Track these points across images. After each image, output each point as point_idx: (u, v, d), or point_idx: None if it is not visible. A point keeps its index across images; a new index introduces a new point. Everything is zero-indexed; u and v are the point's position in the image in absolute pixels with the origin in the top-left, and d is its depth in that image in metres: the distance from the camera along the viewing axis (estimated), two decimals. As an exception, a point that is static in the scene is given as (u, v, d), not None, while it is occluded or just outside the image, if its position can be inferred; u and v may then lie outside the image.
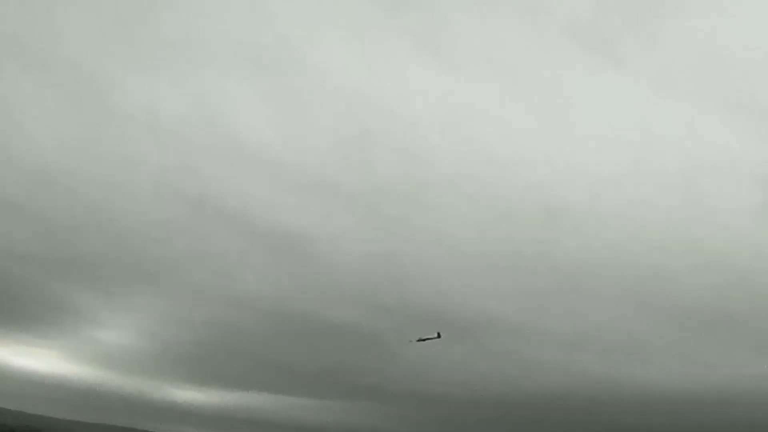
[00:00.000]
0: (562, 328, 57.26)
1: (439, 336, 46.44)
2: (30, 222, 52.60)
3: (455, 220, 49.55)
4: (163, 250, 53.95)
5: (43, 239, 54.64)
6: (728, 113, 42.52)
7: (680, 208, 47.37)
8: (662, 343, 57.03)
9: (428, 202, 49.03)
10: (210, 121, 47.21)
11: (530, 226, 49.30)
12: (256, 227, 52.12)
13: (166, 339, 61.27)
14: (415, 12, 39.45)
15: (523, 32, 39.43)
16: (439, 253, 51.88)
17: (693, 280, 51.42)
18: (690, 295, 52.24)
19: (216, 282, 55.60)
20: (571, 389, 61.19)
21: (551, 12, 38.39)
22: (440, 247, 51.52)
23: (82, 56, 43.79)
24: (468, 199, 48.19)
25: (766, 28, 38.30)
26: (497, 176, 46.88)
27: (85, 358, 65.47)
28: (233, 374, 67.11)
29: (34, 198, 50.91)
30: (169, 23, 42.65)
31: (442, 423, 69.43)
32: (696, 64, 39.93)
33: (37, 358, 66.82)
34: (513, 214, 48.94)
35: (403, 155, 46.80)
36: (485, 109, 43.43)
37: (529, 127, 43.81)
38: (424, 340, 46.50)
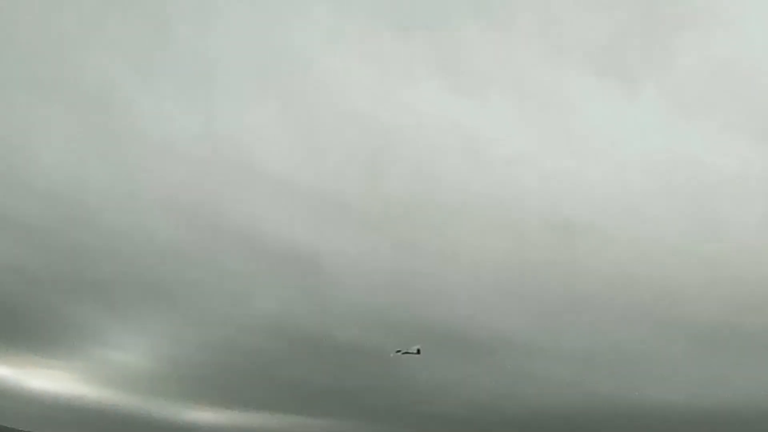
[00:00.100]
0: (574, 346, 57.18)
1: (418, 352, 46.71)
2: (43, 244, 52.82)
3: (467, 240, 49.59)
4: (175, 271, 54.13)
5: (55, 261, 54.88)
6: (742, 131, 42.50)
7: (693, 226, 47.30)
8: (675, 361, 56.84)
9: (440, 222, 49.09)
10: (222, 142, 47.39)
11: (543, 244, 49.31)
12: (268, 247, 52.20)
13: (179, 360, 61.42)
14: (430, 34, 39.69)
15: (538, 54, 39.60)
16: (450, 273, 51.94)
17: (706, 298, 51.27)
18: (703, 312, 52.10)
19: (228, 303, 55.76)
20: (583, 407, 61.03)
21: (565, 34, 38.56)
22: (451, 267, 51.58)
23: (93, 77, 44.04)
24: (480, 219, 48.21)
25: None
26: (509, 196, 46.89)
27: (99, 380, 65.66)
28: (245, 395, 67.19)
29: (47, 220, 51.07)
30: (182, 45, 42.90)
31: (454, 442, 69.35)
32: (710, 83, 39.98)
33: (50, 380, 67.01)
34: (525, 233, 48.93)
35: (416, 176, 46.90)
36: (498, 130, 43.54)
37: (542, 147, 43.87)
38: (405, 353, 46.74)
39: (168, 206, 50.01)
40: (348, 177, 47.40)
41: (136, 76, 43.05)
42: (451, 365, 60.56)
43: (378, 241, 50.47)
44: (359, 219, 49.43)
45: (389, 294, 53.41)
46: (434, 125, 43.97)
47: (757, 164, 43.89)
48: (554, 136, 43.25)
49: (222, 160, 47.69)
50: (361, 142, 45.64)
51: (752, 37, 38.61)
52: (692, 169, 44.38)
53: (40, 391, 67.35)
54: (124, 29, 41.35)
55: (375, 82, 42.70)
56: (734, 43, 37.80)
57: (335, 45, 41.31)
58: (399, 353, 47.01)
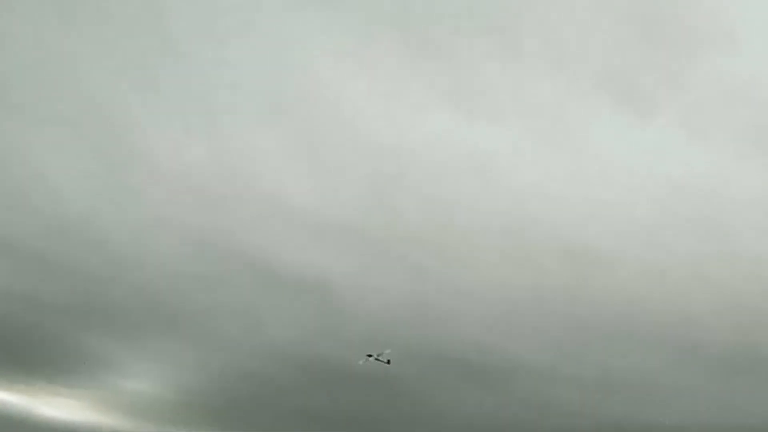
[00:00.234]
0: (586, 371, 56.95)
1: (389, 362, 46.55)
2: (56, 273, 52.95)
3: (479, 266, 49.50)
4: (187, 299, 54.14)
5: (68, 290, 54.99)
6: (758, 156, 42.34)
7: (708, 251, 47.03)
8: (688, 387, 56.54)
9: (453, 248, 48.98)
10: (233, 170, 47.40)
11: (556, 270, 49.17)
12: (279, 275, 52.16)
13: (193, 388, 61.30)
14: (443, 61, 39.73)
15: (550, 80, 39.56)
16: (463, 299, 51.84)
17: (721, 323, 51.03)
18: (718, 337, 51.86)
19: (239, 330, 55.70)
20: (596, 433, 60.76)
21: (578, 60, 38.54)
22: (464, 293, 51.47)
23: (106, 105, 44.15)
24: (492, 245, 48.10)
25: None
26: (522, 222, 46.75)
27: (113, 408, 65.57)
28: (257, 421, 66.95)
29: (60, 249, 51.21)
30: (193, 72, 42.98)
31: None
32: (726, 107, 39.80)
33: (61, 408, 66.95)
34: (538, 259, 48.81)
35: (428, 202, 46.78)
36: (511, 156, 43.43)
37: (556, 173, 43.71)
38: (376, 358, 46.50)
39: (179, 234, 50.02)
40: (360, 204, 47.36)
41: (146, 104, 43.12)
42: (463, 392, 60.32)
43: (390, 268, 50.41)
44: (370, 246, 49.36)
45: (401, 321, 53.32)
46: (447, 152, 43.94)
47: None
48: (568, 162, 43.14)
49: (233, 187, 47.72)
50: (374, 169, 45.61)
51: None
52: (707, 194, 44.19)
53: (52, 420, 67.21)
54: (133, 56, 41.46)
55: (387, 109, 42.72)
56: (750, 67, 37.69)
57: (347, 71, 41.39)
58: (370, 358, 46.85)
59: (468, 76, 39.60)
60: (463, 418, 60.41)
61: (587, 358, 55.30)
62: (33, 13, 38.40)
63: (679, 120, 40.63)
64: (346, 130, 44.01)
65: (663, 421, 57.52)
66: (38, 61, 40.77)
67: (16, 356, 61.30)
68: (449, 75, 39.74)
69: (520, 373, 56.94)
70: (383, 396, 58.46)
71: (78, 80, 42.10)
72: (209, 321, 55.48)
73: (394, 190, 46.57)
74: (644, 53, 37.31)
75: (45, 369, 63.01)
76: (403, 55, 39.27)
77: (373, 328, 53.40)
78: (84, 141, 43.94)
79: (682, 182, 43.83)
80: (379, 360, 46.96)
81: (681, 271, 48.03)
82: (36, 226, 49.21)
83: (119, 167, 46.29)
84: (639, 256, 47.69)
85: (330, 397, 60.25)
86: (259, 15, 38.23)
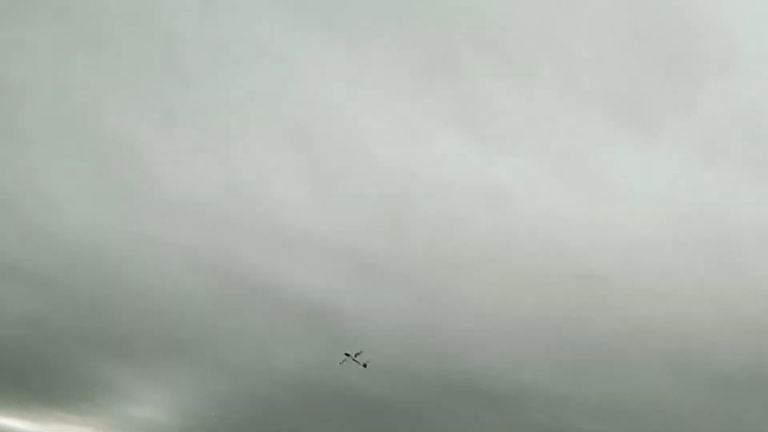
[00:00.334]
0: (598, 396, 56.67)
1: (365, 366, 46.41)
2: (67, 300, 53.14)
3: (489, 291, 49.45)
4: (196, 326, 54.16)
5: (76, 315, 55.13)
6: (763, 177, 42.43)
7: (718, 274, 46.99)
8: (701, 411, 56.24)
9: (462, 274, 49.01)
10: (244, 197, 47.61)
11: (565, 295, 49.11)
12: (290, 301, 52.18)
13: (200, 414, 61.12)
14: (452, 88, 40.03)
15: (559, 105, 39.79)
16: (473, 325, 51.75)
17: (731, 346, 50.86)
18: (729, 361, 51.67)
19: (249, 357, 55.62)
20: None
21: (587, 84, 38.79)
22: (474, 319, 51.40)
23: (117, 134, 44.48)
24: (503, 270, 48.12)
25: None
26: (531, 246, 46.78)
27: (120, 435, 65.49)
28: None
29: (68, 274, 51.44)
30: (203, 100, 43.33)
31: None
32: (733, 130, 39.95)
33: (71, 435, 66.88)
34: (547, 283, 48.78)
35: (437, 228, 46.87)
36: (520, 181, 43.57)
37: (565, 198, 43.81)
38: (354, 358, 46.32)
39: (190, 261, 50.22)
40: (370, 230, 47.49)
41: (157, 132, 43.45)
42: (472, 417, 59.98)
43: (400, 294, 50.44)
44: (381, 272, 49.44)
45: (411, 347, 53.21)
46: (456, 178, 44.09)
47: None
48: (577, 187, 43.29)
49: (243, 214, 47.93)
50: (383, 194, 45.80)
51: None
52: (715, 216, 44.25)
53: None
54: (145, 84, 41.84)
55: (397, 134, 42.99)
56: (758, 90, 37.86)
57: (357, 97, 41.72)
58: (348, 357, 46.67)
59: (478, 101, 39.83)
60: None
61: (598, 382, 55.06)
62: (47, 46, 38.95)
63: (689, 143, 40.77)
64: (356, 155, 44.21)
65: None
66: (52, 93, 41.25)
67: (27, 383, 61.36)
68: (459, 99, 39.98)
69: (529, 398, 56.68)
70: (392, 422, 58.16)
71: (90, 112, 42.54)
72: (219, 347, 55.46)
73: (404, 214, 46.68)
74: (653, 78, 37.53)
75: (56, 396, 62.96)
76: (414, 80, 39.58)
77: (381, 355, 53.21)
78: (95, 169, 44.25)
79: (690, 205, 43.88)
80: (355, 361, 46.77)
81: (688, 292, 47.99)
82: (46, 253, 49.49)
83: (130, 195, 46.56)
84: (647, 277, 47.69)
85: (338, 423, 59.94)
86: (268, 43, 38.66)
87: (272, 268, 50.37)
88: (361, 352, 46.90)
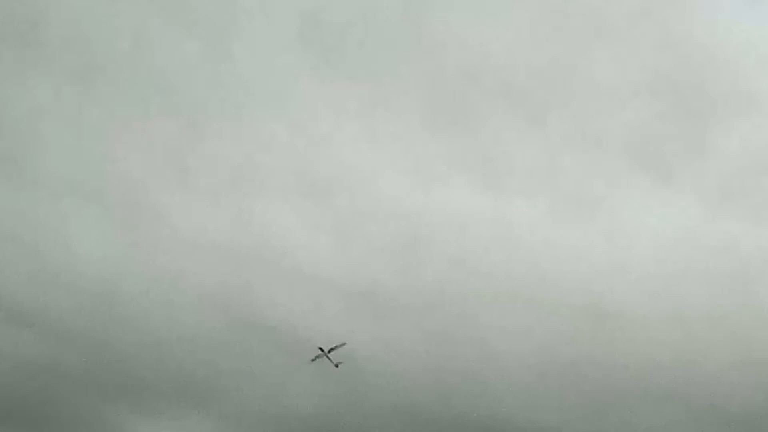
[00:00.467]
0: (611, 430, 56.15)
1: (337, 366, 46.02)
2: (75, 341, 52.85)
3: (502, 332, 49.23)
4: (209, 368, 53.81)
5: (88, 358, 54.74)
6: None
7: (733, 309, 46.88)
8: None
9: (474, 312, 48.85)
10: (254, 238, 47.77)
11: (579, 332, 48.90)
12: (302, 341, 51.84)
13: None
14: (463, 130, 40.31)
15: (572, 146, 40.09)
16: (485, 365, 51.39)
17: (744, 382, 50.54)
18: (746, 396, 51.26)
19: (262, 398, 55.16)
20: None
21: (600, 128, 39.07)
22: (487, 359, 51.08)
23: (125, 174, 44.73)
24: (514, 308, 47.98)
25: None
26: (544, 286, 46.76)
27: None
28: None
29: (79, 317, 51.29)
30: (214, 142, 43.62)
31: None
32: (747, 169, 40.17)
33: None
34: (560, 322, 48.61)
35: (449, 267, 46.93)
36: (532, 221, 43.71)
37: (578, 237, 43.97)
38: (327, 354, 45.88)
39: (201, 302, 50.19)
40: (381, 269, 47.49)
41: (175, 182, 43.71)
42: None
43: (412, 332, 50.25)
44: (393, 311, 49.31)
45: (424, 386, 52.77)
46: (468, 217, 44.17)
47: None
48: (589, 226, 43.34)
49: (254, 255, 47.99)
50: (394, 235, 45.88)
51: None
52: (729, 254, 44.27)
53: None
54: (155, 126, 42.11)
55: (408, 176, 43.16)
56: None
57: (368, 139, 41.90)
58: (322, 353, 46.14)
59: (492, 145, 40.17)
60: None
61: (614, 420, 54.50)
62: (62, 90, 39.31)
63: (701, 182, 40.99)
64: (368, 198, 44.41)
65: None
66: (67, 135, 41.55)
67: (34, 426, 60.79)
68: (474, 144, 40.34)
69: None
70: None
71: (100, 154, 42.84)
72: (231, 389, 55.08)
73: (415, 256, 46.75)
74: (666, 121, 37.85)
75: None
76: (428, 126, 39.94)
77: (393, 395, 52.85)
78: (110, 215, 44.51)
79: (703, 241, 43.93)
80: (328, 359, 46.28)
81: (703, 329, 47.81)
82: (58, 296, 49.46)
83: (141, 239, 46.72)
84: (661, 315, 47.64)
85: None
86: (283, 93, 39.00)
87: (284, 309, 50.32)
88: (344, 344, 46.04)
